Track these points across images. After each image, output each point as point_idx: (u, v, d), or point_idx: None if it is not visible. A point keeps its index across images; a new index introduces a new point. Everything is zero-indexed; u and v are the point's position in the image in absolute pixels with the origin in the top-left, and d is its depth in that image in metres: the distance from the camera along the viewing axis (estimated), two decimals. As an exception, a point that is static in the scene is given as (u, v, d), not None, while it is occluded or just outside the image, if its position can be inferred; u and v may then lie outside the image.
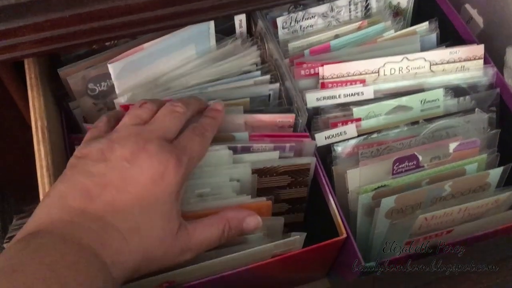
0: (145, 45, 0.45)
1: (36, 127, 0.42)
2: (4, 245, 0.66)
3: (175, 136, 0.39)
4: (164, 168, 0.36)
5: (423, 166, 0.46)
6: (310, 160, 0.45)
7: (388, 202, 0.44)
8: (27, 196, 0.63)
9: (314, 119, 0.51)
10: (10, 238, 0.65)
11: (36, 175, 0.42)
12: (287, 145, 0.44)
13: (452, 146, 0.47)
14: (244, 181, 0.43)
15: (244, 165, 0.42)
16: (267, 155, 0.43)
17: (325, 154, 0.50)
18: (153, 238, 0.36)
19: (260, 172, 0.44)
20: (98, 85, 0.47)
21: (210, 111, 0.43)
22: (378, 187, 0.45)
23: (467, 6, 0.61)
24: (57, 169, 0.41)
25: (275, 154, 0.43)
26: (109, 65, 0.44)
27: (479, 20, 0.59)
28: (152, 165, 0.36)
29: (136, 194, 0.35)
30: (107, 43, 0.50)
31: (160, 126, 0.39)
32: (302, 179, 0.47)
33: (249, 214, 0.39)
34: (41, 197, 0.40)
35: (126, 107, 0.45)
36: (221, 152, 0.42)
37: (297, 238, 0.41)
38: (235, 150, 0.43)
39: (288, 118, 0.45)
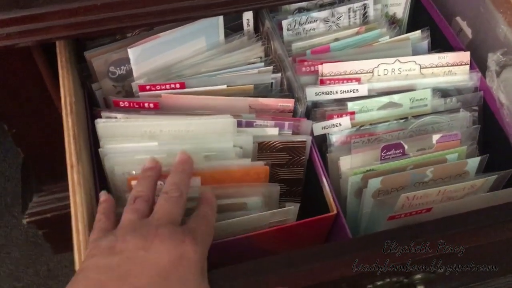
0: (161, 33, 0.51)
1: (65, 102, 0.47)
2: (24, 221, 0.71)
3: (180, 220, 0.39)
4: (182, 250, 0.36)
5: (408, 155, 0.51)
6: (306, 138, 0.50)
7: (375, 183, 0.49)
8: (48, 177, 0.68)
9: (313, 111, 0.56)
10: (30, 214, 0.70)
11: (59, 154, 0.47)
12: (286, 123, 0.49)
13: (435, 137, 0.51)
14: (246, 149, 0.48)
15: (246, 134, 0.48)
16: (267, 131, 0.49)
17: (321, 142, 0.55)
18: None
19: (260, 146, 0.49)
20: (118, 68, 0.53)
21: (205, 200, 0.43)
22: (367, 171, 0.50)
23: (458, 18, 0.66)
24: (80, 138, 0.47)
25: (275, 130, 0.49)
26: (128, 50, 0.50)
27: (468, 31, 0.65)
28: (169, 249, 0.35)
29: (159, 277, 0.34)
30: (128, 35, 0.56)
31: (164, 213, 0.39)
32: (298, 158, 0.52)
33: None
34: (68, 166, 0.44)
35: (143, 88, 0.50)
36: (226, 120, 0.47)
37: (291, 208, 0.46)
38: (239, 124, 0.48)
39: (288, 102, 0.51)
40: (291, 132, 0.50)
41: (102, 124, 0.47)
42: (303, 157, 0.52)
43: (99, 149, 0.47)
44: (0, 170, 0.91)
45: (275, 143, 0.49)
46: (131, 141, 0.47)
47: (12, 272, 0.83)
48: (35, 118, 0.58)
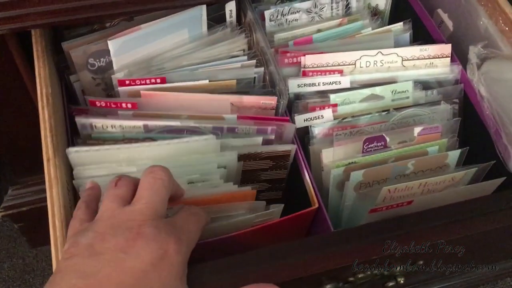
0: (142, 25, 0.50)
1: (41, 94, 0.46)
2: (-1, 214, 0.70)
3: (166, 208, 0.37)
4: (164, 251, 0.34)
5: (390, 147, 0.51)
6: (290, 147, 0.49)
7: (357, 176, 0.49)
8: (23, 169, 0.66)
9: (295, 103, 0.56)
10: (5, 207, 0.69)
11: (35, 146, 0.46)
12: (269, 128, 0.48)
13: (417, 130, 0.51)
14: (231, 168, 0.46)
15: (230, 153, 0.46)
16: (251, 141, 0.47)
17: (303, 134, 0.55)
18: None
19: (245, 158, 0.48)
20: (97, 60, 0.51)
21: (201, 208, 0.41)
22: (349, 163, 0.50)
23: (439, 10, 0.66)
24: (58, 131, 0.45)
25: (259, 139, 0.47)
26: (108, 41, 0.49)
27: (449, 23, 0.65)
28: (151, 250, 0.33)
29: (139, 283, 0.32)
30: (107, 25, 0.55)
31: (148, 202, 0.35)
32: (282, 163, 0.51)
33: None
34: (44, 159, 0.43)
35: (123, 83, 0.49)
36: (210, 141, 0.45)
37: (275, 210, 0.45)
38: (221, 131, 0.47)
39: (270, 100, 0.50)
40: (273, 136, 0.49)
41: (75, 154, 0.43)
42: (287, 162, 0.51)
43: (73, 181, 0.44)
44: (-26, 162, 0.89)
45: (260, 153, 0.48)
46: (108, 168, 0.44)
47: (-12, 266, 0.82)
48: (10, 109, 0.56)
